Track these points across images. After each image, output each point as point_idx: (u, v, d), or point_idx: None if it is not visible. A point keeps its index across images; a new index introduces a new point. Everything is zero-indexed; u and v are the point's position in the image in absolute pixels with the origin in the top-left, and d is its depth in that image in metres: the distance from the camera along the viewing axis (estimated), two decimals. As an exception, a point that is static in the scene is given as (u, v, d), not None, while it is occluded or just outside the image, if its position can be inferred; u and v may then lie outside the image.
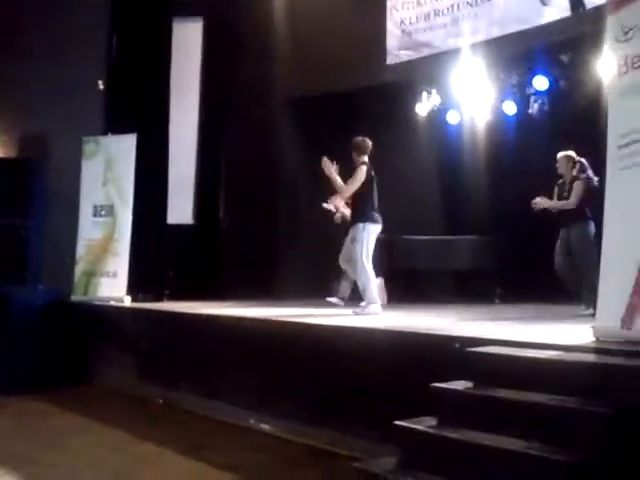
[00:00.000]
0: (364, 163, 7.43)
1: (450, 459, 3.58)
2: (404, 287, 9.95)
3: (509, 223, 9.82)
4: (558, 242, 7.38)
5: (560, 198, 7.39)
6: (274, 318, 6.94)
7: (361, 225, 7.29)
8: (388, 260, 9.52)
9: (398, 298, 9.28)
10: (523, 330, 5.36)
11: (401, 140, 10.29)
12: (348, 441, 5.83)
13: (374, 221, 7.34)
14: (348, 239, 7.51)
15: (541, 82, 9.04)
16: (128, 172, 9.72)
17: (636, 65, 4.38)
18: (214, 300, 9.49)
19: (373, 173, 7.48)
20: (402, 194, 9.92)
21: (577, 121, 8.94)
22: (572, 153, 7.43)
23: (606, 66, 4.67)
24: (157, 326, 8.32)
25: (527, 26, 8.39)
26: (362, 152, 7.50)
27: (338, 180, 7.52)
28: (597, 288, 6.64)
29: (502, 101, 9.78)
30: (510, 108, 9.82)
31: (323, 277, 10.05)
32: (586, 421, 3.29)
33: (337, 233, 9.36)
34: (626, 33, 4.46)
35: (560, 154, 7.49)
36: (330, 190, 8.63)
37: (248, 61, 10.60)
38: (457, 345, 4.63)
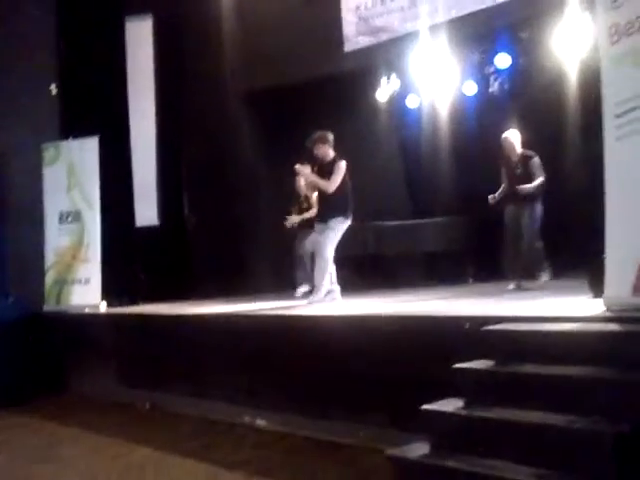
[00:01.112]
0: (338, 156, 7.46)
1: (488, 438, 3.57)
2: (376, 273, 9.97)
3: (475, 202, 9.88)
4: (506, 220, 7.59)
5: (513, 177, 7.56)
6: (267, 313, 6.87)
7: (341, 218, 7.33)
8: (358, 247, 9.52)
9: (371, 285, 9.29)
10: (526, 305, 5.40)
11: (363, 127, 10.28)
12: (352, 430, 5.82)
13: (349, 216, 7.41)
14: (320, 227, 7.47)
15: (503, 60, 9.10)
16: (92, 176, 9.43)
17: (629, 32, 4.40)
18: (188, 300, 9.38)
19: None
20: (367, 181, 9.86)
21: (537, 98, 9.06)
22: (515, 131, 7.56)
23: (596, 34, 4.67)
24: (138, 330, 8.14)
25: (486, 5, 8.46)
26: (330, 144, 7.50)
27: (320, 181, 7.46)
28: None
29: (462, 82, 9.81)
30: (470, 88, 9.87)
31: (289, 271, 10.03)
32: (626, 391, 3.30)
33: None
34: (615, 1, 4.49)
35: (505, 133, 7.63)
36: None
37: (202, 57, 10.45)
38: (467, 325, 4.64)
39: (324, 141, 7.47)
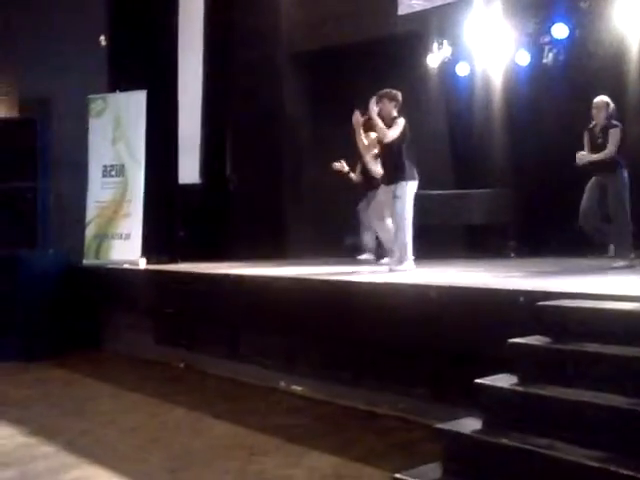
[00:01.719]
0: (400, 115, 7.21)
1: (544, 417, 3.44)
2: (418, 244, 9.81)
3: (523, 176, 9.67)
4: (588, 192, 7.17)
5: (593, 145, 7.15)
6: (311, 277, 6.76)
7: (404, 182, 7.08)
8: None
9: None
10: (579, 282, 5.23)
11: (412, 93, 9.85)
12: (389, 400, 5.73)
13: (415, 178, 7.18)
14: (382, 195, 7.34)
15: (561, 30, 8.78)
16: (139, 130, 9.32)
17: None
18: (226, 260, 9.31)
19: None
20: (414, 148, 9.71)
21: (594, 71, 8.75)
22: (607, 99, 7.19)
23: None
24: (176, 288, 8.09)
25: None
26: (397, 104, 7.28)
27: (380, 123, 7.16)
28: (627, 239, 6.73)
29: (515, 51, 9.51)
30: (523, 58, 9.55)
31: (333, 234, 9.93)
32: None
33: (347, 191, 9.25)
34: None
35: (598, 99, 7.19)
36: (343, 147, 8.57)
37: (253, 14, 10.30)
38: (522, 299, 4.50)
39: (391, 98, 7.25)
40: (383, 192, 7.42)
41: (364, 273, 7.02)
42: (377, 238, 8.54)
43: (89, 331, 8.98)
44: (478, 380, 3.78)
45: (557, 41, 9.05)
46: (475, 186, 10.05)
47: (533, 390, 3.58)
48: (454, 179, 10.64)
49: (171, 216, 9.82)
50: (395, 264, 7.12)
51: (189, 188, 10.07)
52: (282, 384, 6.71)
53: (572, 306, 4.01)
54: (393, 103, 7.26)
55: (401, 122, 7.14)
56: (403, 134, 7.14)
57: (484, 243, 9.92)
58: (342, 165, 8.93)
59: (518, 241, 9.75)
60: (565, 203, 9.08)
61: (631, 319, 3.72)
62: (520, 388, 3.63)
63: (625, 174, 6.91)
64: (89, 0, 9.85)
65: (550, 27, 8.91)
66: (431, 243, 9.99)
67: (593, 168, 7.09)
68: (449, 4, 9.02)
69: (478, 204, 9.93)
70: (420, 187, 9.80)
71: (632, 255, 6.73)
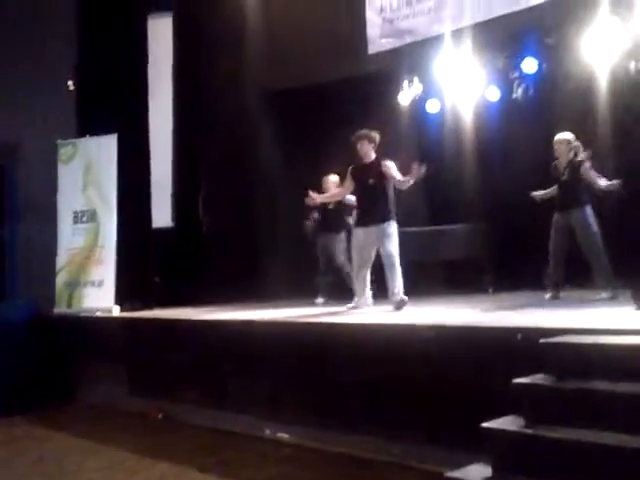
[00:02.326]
0: (380, 158, 7.34)
1: (556, 460, 3.31)
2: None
3: (496, 210, 9.69)
4: (557, 232, 7.26)
5: (557, 181, 7.30)
6: (294, 319, 6.62)
7: (392, 222, 7.20)
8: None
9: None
10: (573, 317, 5.17)
11: (384, 130, 9.89)
12: (384, 446, 5.56)
13: (397, 219, 7.31)
14: (372, 237, 7.24)
15: (530, 65, 8.87)
16: (110, 175, 9.15)
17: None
18: (202, 305, 9.13)
19: None
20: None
21: (563, 105, 8.83)
22: (570, 136, 7.30)
23: None
24: (152, 336, 7.87)
25: (512, 9, 8.24)
26: (375, 146, 7.39)
27: (398, 175, 7.25)
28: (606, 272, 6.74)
29: (485, 87, 9.58)
30: (493, 94, 9.64)
31: (307, 275, 9.79)
32: None
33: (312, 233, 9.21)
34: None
35: (559, 137, 7.38)
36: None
37: (223, 56, 10.26)
38: (519, 336, 4.40)
39: (370, 140, 7.35)
40: (364, 233, 7.31)
41: (351, 314, 6.91)
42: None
43: (61, 383, 8.65)
44: (485, 424, 3.65)
45: (526, 76, 9.16)
46: (449, 222, 10.03)
47: (543, 432, 3.47)
48: (428, 215, 10.62)
49: (145, 261, 9.59)
50: (397, 303, 7.10)
51: (162, 232, 9.87)
52: (267, 432, 6.50)
53: (576, 343, 3.92)
54: (372, 145, 7.36)
55: (393, 164, 7.28)
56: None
57: (461, 278, 9.88)
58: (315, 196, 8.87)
59: (495, 275, 9.73)
60: (539, 236, 9.14)
61: (636, 354, 3.63)
62: (529, 431, 3.52)
63: (590, 210, 7.05)
64: (57, 45, 9.67)
65: (519, 62, 9.02)
66: (408, 280, 9.97)
67: (559, 205, 7.21)
68: (419, 42, 9.04)
69: (453, 240, 9.91)
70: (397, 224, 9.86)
71: (614, 285, 6.75)
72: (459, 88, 9.59)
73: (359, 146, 7.34)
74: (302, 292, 9.53)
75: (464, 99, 9.73)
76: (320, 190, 8.53)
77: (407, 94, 9.92)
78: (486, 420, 3.79)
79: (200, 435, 6.80)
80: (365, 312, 7.11)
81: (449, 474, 3.57)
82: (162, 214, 9.93)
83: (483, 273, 9.71)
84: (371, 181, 7.23)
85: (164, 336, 7.71)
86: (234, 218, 10.13)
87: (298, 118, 10.05)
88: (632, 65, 8.13)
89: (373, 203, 7.26)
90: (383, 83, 9.71)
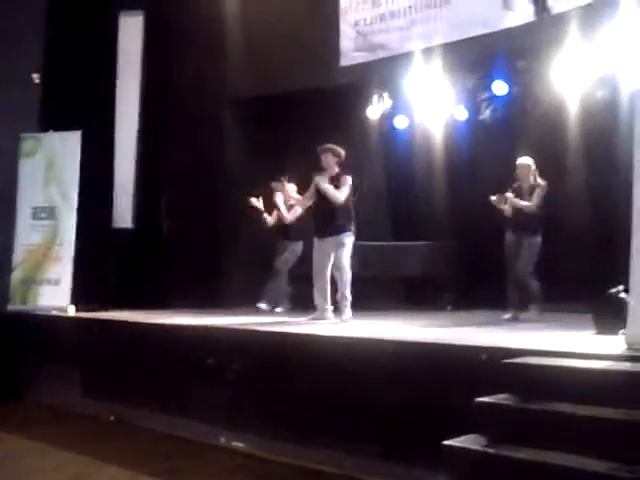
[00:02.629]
0: (343, 172, 7.46)
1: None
2: (354, 295, 9.73)
3: (460, 229, 9.78)
4: (509, 248, 7.43)
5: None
6: (255, 328, 6.58)
7: (349, 233, 7.37)
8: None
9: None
10: (536, 338, 5.22)
11: (351, 144, 9.94)
12: (337, 458, 5.53)
13: (354, 232, 7.45)
14: (327, 248, 7.32)
15: (500, 87, 8.96)
16: (72, 172, 8.99)
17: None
18: (159, 308, 8.99)
19: None
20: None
21: (530, 128, 8.95)
22: (531, 160, 7.45)
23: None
24: (107, 338, 7.74)
25: (485, 31, 8.32)
26: (339, 160, 7.51)
27: (330, 189, 7.35)
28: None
29: (454, 106, 9.66)
30: (461, 113, 9.72)
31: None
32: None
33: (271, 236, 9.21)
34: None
35: (521, 161, 7.55)
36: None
37: (193, 58, 10.15)
38: (484, 357, 4.42)
39: (335, 154, 7.49)
40: (321, 244, 7.41)
41: (311, 324, 6.90)
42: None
43: (12, 381, 8.43)
44: (447, 442, 3.65)
45: (496, 98, 9.24)
46: (412, 238, 10.08)
47: (505, 452, 3.47)
48: (391, 231, 10.68)
49: (103, 261, 9.46)
50: (344, 314, 7.22)
51: (122, 233, 9.74)
52: (222, 440, 6.42)
53: (539, 364, 3.95)
54: (336, 159, 7.49)
55: (348, 180, 7.38)
56: (353, 190, 7.41)
57: (420, 295, 9.92)
58: (258, 202, 8.96)
59: (454, 294, 9.79)
60: (500, 257, 9.23)
61: (601, 378, 3.67)
62: (491, 450, 3.52)
63: (539, 235, 7.28)
64: (23, 37, 9.46)
65: (489, 84, 9.10)
66: (366, 294, 9.98)
67: (515, 226, 7.37)
68: (391, 57, 9.06)
69: (414, 256, 9.95)
70: (357, 238, 9.87)
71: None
72: (428, 106, 9.65)
73: (323, 158, 7.49)
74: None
75: (432, 117, 9.80)
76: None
77: (376, 109, 9.95)
78: (445, 438, 3.79)
79: (153, 440, 6.68)
80: (326, 323, 7.12)
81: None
82: (123, 215, 9.81)
83: (443, 291, 9.77)
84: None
85: (120, 339, 7.58)
86: (196, 221, 10.01)
87: (265, 125, 10.02)
88: (600, 94, 8.26)
89: (330, 215, 7.36)
90: (353, 96, 9.74)
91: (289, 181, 8.95)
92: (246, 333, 6.59)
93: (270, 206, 9.16)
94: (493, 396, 3.84)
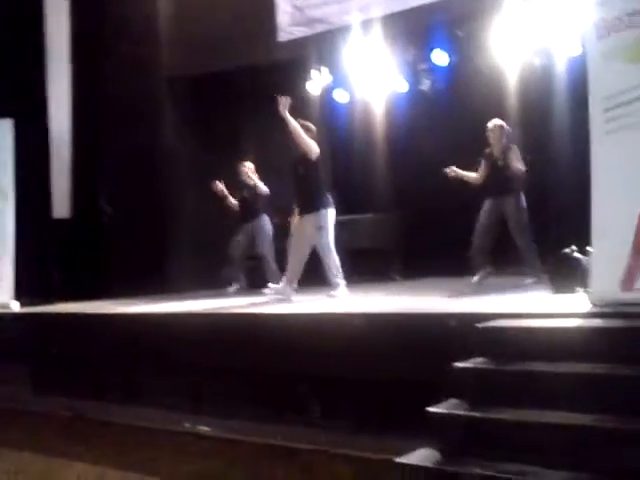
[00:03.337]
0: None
1: (504, 441, 3.36)
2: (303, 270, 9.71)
3: (404, 200, 9.83)
4: (485, 213, 7.33)
5: (494, 168, 7.33)
6: (212, 310, 6.48)
7: (324, 211, 7.14)
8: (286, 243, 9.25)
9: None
10: (503, 301, 5.30)
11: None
12: (309, 435, 5.51)
13: (331, 205, 7.24)
14: (306, 228, 7.22)
15: (440, 57, 9.00)
16: (6, 162, 8.58)
17: (617, 28, 4.34)
18: (105, 298, 8.79)
19: None
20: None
21: (471, 97, 9.02)
22: (502, 122, 7.40)
23: (583, 29, 4.57)
24: (56, 331, 7.50)
25: (424, 2, 8.33)
26: (313, 135, 7.34)
27: (302, 133, 7.14)
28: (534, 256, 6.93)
29: (394, 78, 9.67)
30: (402, 85, 9.75)
31: (213, 266, 9.64)
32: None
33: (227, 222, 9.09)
34: (603, -4, 4.42)
35: (493, 123, 7.43)
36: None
37: (127, 39, 9.87)
38: (453, 323, 4.45)
39: (306, 130, 7.27)
40: (300, 222, 7.33)
41: (275, 303, 6.87)
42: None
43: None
44: (431, 409, 3.65)
45: (436, 68, 9.29)
46: (358, 211, 10.10)
47: (489, 414, 3.49)
48: (336, 205, 10.63)
49: (45, 254, 9.15)
50: (332, 290, 7.14)
51: (62, 223, 9.44)
52: (187, 426, 6.32)
53: (513, 326, 4.00)
54: (308, 134, 7.28)
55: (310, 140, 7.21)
56: (317, 166, 7.27)
57: (367, 267, 9.96)
58: (222, 187, 8.82)
59: (402, 264, 9.87)
60: (445, 227, 9.33)
61: (575, 335, 3.74)
62: (477, 414, 3.54)
63: (523, 197, 7.14)
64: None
65: (429, 55, 9.14)
66: (315, 269, 9.98)
67: (492, 191, 7.26)
68: (329, 31, 9.02)
69: (361, 229, 9.98)
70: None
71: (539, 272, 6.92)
72: (368, 79, 9.65)
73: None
74: (209, 283, 9.40)
75: (373, 90, 9.81)
76: (235, 178, 8.61)
77: (316, 83, 9.90)
78: (422, 407, 3.78)
79: (116, 433, 6.46)
80: (290, 301, 7.12)
81: (399, 460, 3.55)
82: (62, 204, 9.51)
83: (389, 262, 9.84)
84: (301, 171, 7.25)
85: (69, 332, 7.36)
86: (138, 208, 9.80)
87: (205, 105, 9.85)
88: (538, 62, 8.38)
89: (305, 193, 7.27)
90: (292, 71, 9.64)
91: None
92: (203, 317, 6.49)
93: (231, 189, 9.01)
94: (471, 360, 3.86)
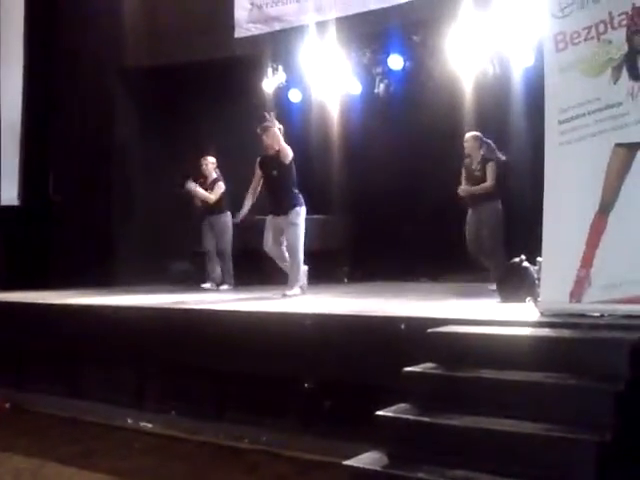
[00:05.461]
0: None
1: (451, 446, 3.39)
2: (249, 269, 9.65)
3: (355, 203, 9.88)
4: (468, 224, 7.47)
5: (470, 178, 7.49)
6: (160, 306, 6.40)
7: (298, 209, 7.27)
8: (240, 242, 9.19)
9: (244, 279, 8.98)
10: (445, 307, 5.33)
11: (246, 117, 9.88)
12: (254, 434, 5.49)
13: (304, 204, 7.37)
14: (280, 224, 7.29)
15: (395, 61, 9.07)
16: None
17: (576, 41, 4.43)
18: (51, 288, 8.64)
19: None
20: (249, 173, 9.58)
21: (424, 101, 9.12)
22: (479, 134, 7.52)
23: (543, 41, 4.65)
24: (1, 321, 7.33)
25: (382, 5, 8.37)
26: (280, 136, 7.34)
27: (281, 142, 7.29)
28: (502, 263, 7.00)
29: (348, 80, 9.70)
30: (356, 87, 9.79)
31: (162, 260, 9.56)
32: (598, 398, 3.23)
33: (178, 215, 9.00)
34: (563, 9, 4.50)
35: (468, 134, 7.62)
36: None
37: (81, 28, 9.69)
38: (403, 326, 4.48)
39: (270, 133, 7.32)
40: (273, 221, 7.38)
41: (225, 302, 6.85)
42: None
43: None
44: (380, 412, 3.66)
45: (391, 72, 9.35)
46: (308, 212, 10.07)
47: (437, 419, 3.52)
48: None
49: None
50: (290, 290, 7.16)
51: (8, 211, 9.23)
52: (130, 421, 6.24)
53: (463, 332, 4.04)
54: (273, 139, 7.33)
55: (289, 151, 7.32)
56: (292, 166, 7.37)
57: (316, 269, 9.97)
58: (195, 186, 8.69)
59: (351, 266, 9.92)
60: (396, 230, 9.42)
61: (525, 344, 3.80)
62: (426, 418, 3.56)
63: (500, 206, 7.29)
64: None
65: (384, 58, 9.20)
66: (262, 269, 9.95)
67: (472, 201, 7.38)
68: (286, 30, 9.01)
69: (311, 230, 9.95)
70: (253, 212, 9.84)
71: None
72: (323, 79, 9.66)
73: (265, 137, 7.35)
74: (158, 277, 9.30)
75: (327, 91, 9.82)
76: (197, 171, 8.64)
77: (271, 82, 9.87)
78: (370, 410, 3.79)
79: (57, 425, 6.37)
80: (243, 299, 7.09)
81: (346, 462, 3.56)
82: (9, 192, 9.30)
83: (339, 264, 9.87)
84: (274, 172, 7.32)
85: (14, 321, 7.21)
86: (88, 199, 9.65)
87: (160, 98, 9.74)
88: (491, 69, 8.50)
89: (279, 194, 7.35)
90: (248, 68, 9.60)
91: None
92: (148, 311, 6.41)
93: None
94: (420, 365, 3.89)
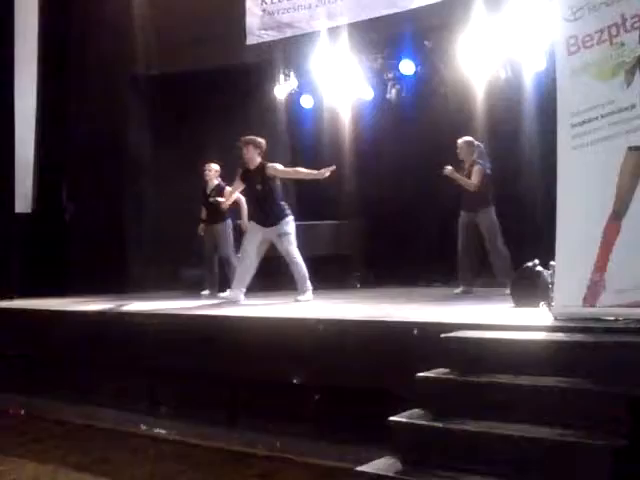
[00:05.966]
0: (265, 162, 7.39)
1: (466, 452, 3.38)
2: (264, 275, 9.67)
3: (367, 208, 9.88)
4: (462, 231, 7.49)
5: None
6: (172, 312, 6.42)
7: (288, 219, 7.34)
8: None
9: (258, 287, 8.98)
10: (459, 312, 5.32)
11: (258, 123, 9.91)
12: (267, 440, 5.48)
13: (290, 214, 7.44)
14: (268, 235, 7.34)
15: (407, 66, 9.08)
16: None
17: (588, 44, 4.41)
18: (65, 295, 8.68)
19: None
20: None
21: (436, 107, 9.12)
22: (471, 139, 7.53)
23: (554, 45, 4.64)
24: (13, 327, 7.38)
25: (393, 10, 8.39)
26: (260, 152, 7.40)
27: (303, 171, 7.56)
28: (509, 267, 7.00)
29: (360, 86, 9.71)
30: (367, 93, 9.80)
31: (173, 267, 9.59)
32: (613, 403, 3.22)
33: (188, 223, 9.01)
34: (575, 12, 4.48)
35: (461, 140, 7.64)
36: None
37: (96, 36, 9.77)
38: (415, 331, 4.47)
39: (256, 146, 7.35)
40: (261, 231, 7.40)
41: (237, 306, 6.87)
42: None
43: None
44: (394, 418, 3.66)
45: (402, 77, 9.36)
46: (319, 218, 10.12)
47: (452, 425, 3.51)
48: (298, 211, 10.61)
49: (6, 249, 8.99)
50: (299, 295, 7.28)
51: (22, 218, 9.30)
52: (143, 428, 6.26)
53: (477, 337, 4.02)
54: (257, 150, 7.39)
55: (279, 165, 7.39)
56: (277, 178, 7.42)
57: (328, 274, 9.98)
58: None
59: (363, 271, 9.91)
60: (407, 235, 9.41)
61: (539, 348, 3.79)
62: (439, 424, 3.55)
63: (493, 210, 7.29)
64: None
65: (396, 64, 9.22)
66: (276, 275, 9.96)
67: (465, 206, 7.43)
68: (297, 36, 9.05)
69: (322, 235, 10.00)
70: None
71: None
72: (335, 85, 9.68)
73: (245, 151, 7.37)
74: (171, 284, 9.33)
75: (339, 96, 9.84)
76: (201, 177, 8.63)
77: (283, 88, 9.91)
78: (383, 416, 3.78)
79: (71, 432, 6.39)
80: (253, 305, 7.07)
81: (360, 468, 3.55)
82: (25, 200, 9.37)
83: (351, 269, 9.87)
84: (258, 187, 7.33)
85: (29, 328, 7.25)
86: (101, 206, 9.70)
87: (173, 105, 9.79)
88: (503, 73, 8.49)
89: (265, 206, 7.36)
90: (259, 75, 9.68)
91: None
92: (163, 317, 6.44)
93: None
94: (434, 370, 3.89)
